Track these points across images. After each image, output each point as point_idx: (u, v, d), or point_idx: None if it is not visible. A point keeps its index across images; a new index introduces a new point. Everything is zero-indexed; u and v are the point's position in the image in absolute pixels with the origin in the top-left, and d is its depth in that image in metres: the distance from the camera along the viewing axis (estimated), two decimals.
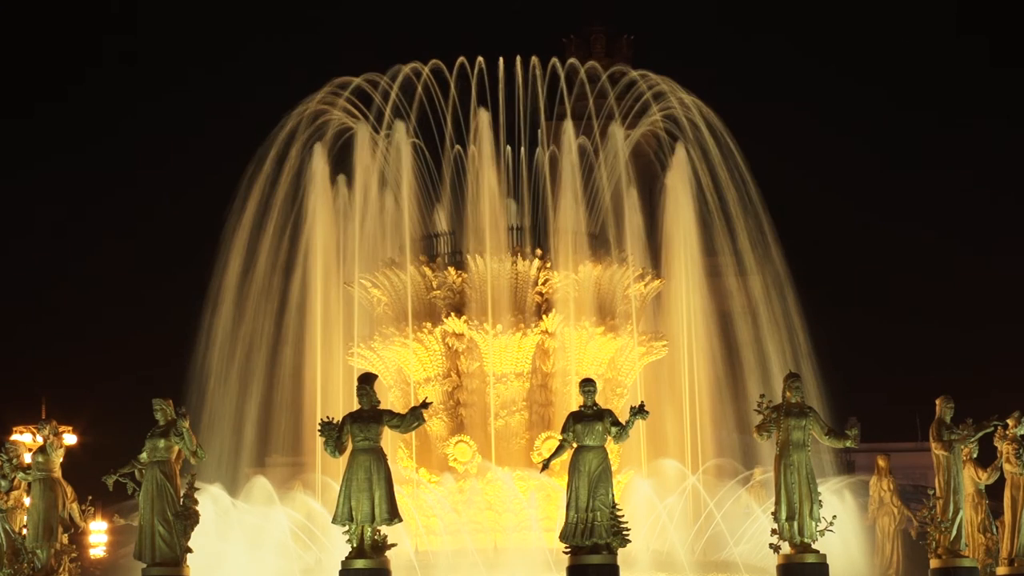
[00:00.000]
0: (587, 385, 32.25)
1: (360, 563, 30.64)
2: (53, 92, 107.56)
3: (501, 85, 47.22)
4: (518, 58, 47.47)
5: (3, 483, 35.60)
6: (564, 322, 45.55)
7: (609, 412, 32.14)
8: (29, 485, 35.45)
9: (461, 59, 47.03)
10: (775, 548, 31.98)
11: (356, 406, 31.72)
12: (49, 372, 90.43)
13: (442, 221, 47.79)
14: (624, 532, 31.15)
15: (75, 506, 35.23)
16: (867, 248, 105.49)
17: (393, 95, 47.17)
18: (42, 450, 35.14)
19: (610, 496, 31.25)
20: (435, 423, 45.46)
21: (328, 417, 31.56)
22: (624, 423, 31.72)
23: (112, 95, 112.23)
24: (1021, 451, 35.37)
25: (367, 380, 32.06)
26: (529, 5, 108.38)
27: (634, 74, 48.85)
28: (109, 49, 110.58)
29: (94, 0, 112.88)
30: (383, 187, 47.76)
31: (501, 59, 47.44)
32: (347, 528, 31.02)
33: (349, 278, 47.45)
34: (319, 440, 31.90)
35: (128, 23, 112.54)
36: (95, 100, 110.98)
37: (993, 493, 36.78)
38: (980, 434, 35.20)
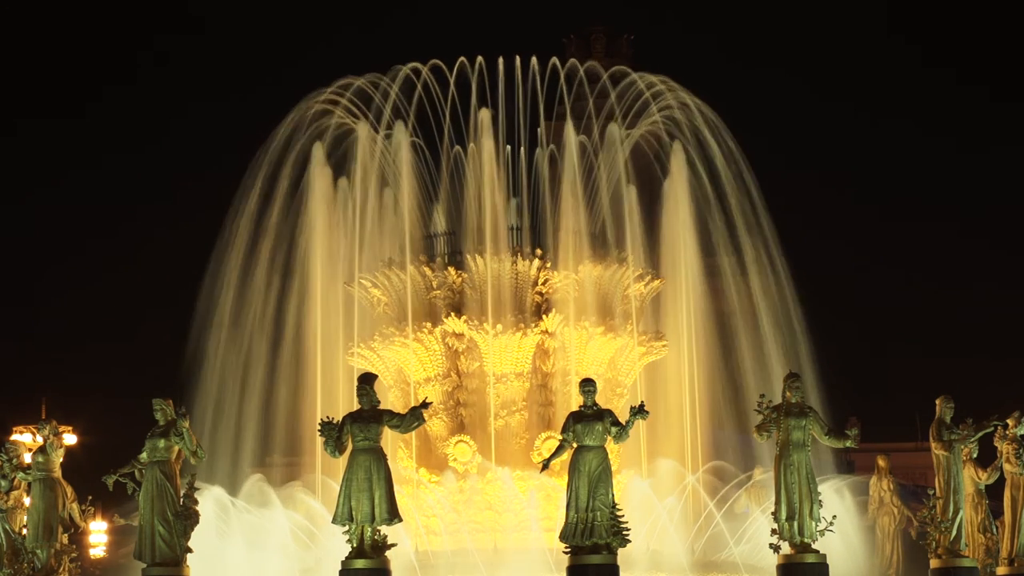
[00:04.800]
0: (587, 385, 32.24)
1: (360, 563, 30.64)
2: (69, 104, 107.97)
3: (501, 85, 47.24)
4: (517, 58, 47.50)
5: (3, 483, 35.58)
6: (564, 322, 45.56)
7: (609, 412, 32.14)
8: (29, 485, 35.44)
9: (461, 59, 47.05)
10: (775, 548, 31.98)
11: (356, 406, 31.72)
12: (49, 372, 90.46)
13: (442, 221, 47.79)
14: (624, 532, 31.14)
15: (75, 506, 35.21)
16: (867, 247, 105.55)
17: (393, 95, 47.17)
18: (42, 450, 35.14)
19: (610, 496, 31.25)
20: (435, 423, 45.47)
21: (328, 417, 31.56)
22: (624, 423, 31.72)
23: (118, 102, 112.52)
24: (1021, 451, 35.37)
25: (367, 380, 32.06)
26: (529, 5, 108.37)
27: (634, 76, 48.84)
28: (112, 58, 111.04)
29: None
30: (383, 187, 47.78)
31: (501, 59, 47.48)
32: (347, 528, 31.02)
33: (349, 278, 47.46)
34: (319, 440, 31.90)
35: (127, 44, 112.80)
36: (99, 107, 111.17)
37: (993, 493, 36.78)
38: (980, 434, 35.20)
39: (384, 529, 31.05)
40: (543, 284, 45.92)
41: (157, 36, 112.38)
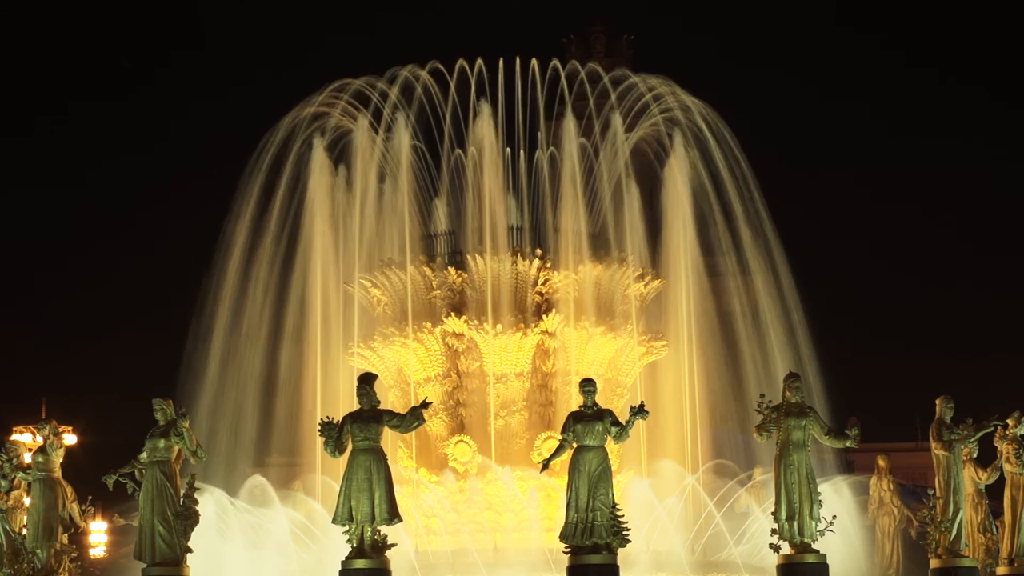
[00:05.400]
0: (587, 385, 32.22)
1: (360, 563, 30.62)
2: (68, 103, 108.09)
3: (501, 86, 47.23)
4: (517, 59, 47.49)
5: (3, 483, 35.56)
6: (564, 322, 45.58)
7: (609, 412, 32.12)
8: (29, 485, 35.42)
9: (461, 61, 47.06)
10: (775, 548, 31.98)
11: (356, 406, 31.71)
12: (49, 372, 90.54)
13: (442, 221, 47.80)
14: (624, 532, 31.12)
15: (75, 506, 35.20)
16: (868, 247, 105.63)
17: (392, 97, 47.16)
18: (42, 450, 35.12)
19: (610, 496, 31.23)
20: (435, 423, 45.48)
21: (328, 417, 31.54)
22: (624, 423, 31.71)
23: (117, 102, 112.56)
24: (1021, 451, 35.36)
25: (367, 380, 32.04)
26: (529, 5, 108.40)
27: (634, 78, 48.84)
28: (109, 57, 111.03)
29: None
30: (383, 188, 47.77)
31: (501, 60, 47.48)
32: (347, 528, 31.01)
33: (349, 278, 47.46)
34: (319, 440, 31.89)
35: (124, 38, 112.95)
36: (98, 107, 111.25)
37: (993, 493, 36.78)
38: (980, 434, 35.18)
39: (384, 529, 31.04)
40: (543, 284, 45.94)
41: (156, 37, 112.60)
